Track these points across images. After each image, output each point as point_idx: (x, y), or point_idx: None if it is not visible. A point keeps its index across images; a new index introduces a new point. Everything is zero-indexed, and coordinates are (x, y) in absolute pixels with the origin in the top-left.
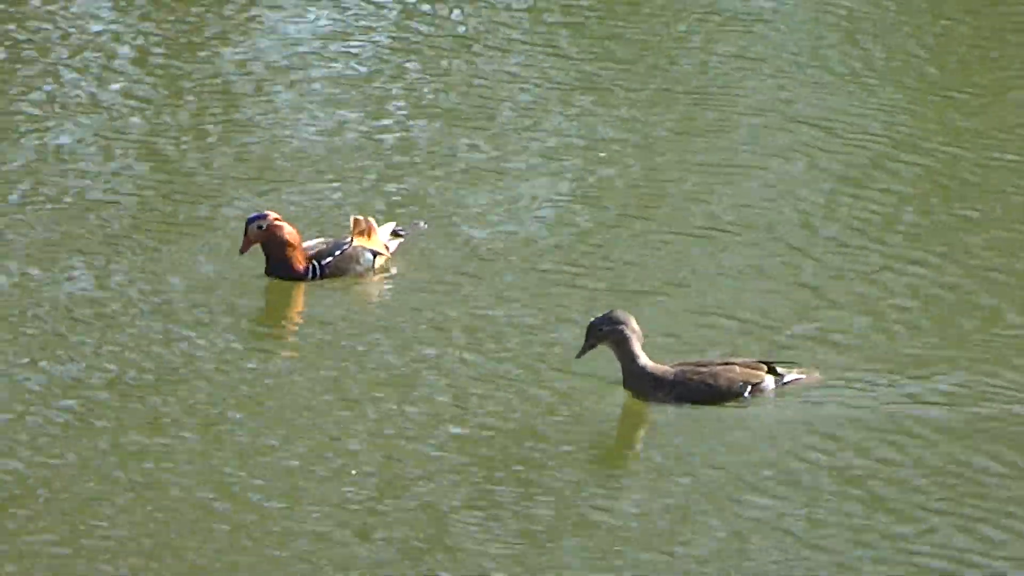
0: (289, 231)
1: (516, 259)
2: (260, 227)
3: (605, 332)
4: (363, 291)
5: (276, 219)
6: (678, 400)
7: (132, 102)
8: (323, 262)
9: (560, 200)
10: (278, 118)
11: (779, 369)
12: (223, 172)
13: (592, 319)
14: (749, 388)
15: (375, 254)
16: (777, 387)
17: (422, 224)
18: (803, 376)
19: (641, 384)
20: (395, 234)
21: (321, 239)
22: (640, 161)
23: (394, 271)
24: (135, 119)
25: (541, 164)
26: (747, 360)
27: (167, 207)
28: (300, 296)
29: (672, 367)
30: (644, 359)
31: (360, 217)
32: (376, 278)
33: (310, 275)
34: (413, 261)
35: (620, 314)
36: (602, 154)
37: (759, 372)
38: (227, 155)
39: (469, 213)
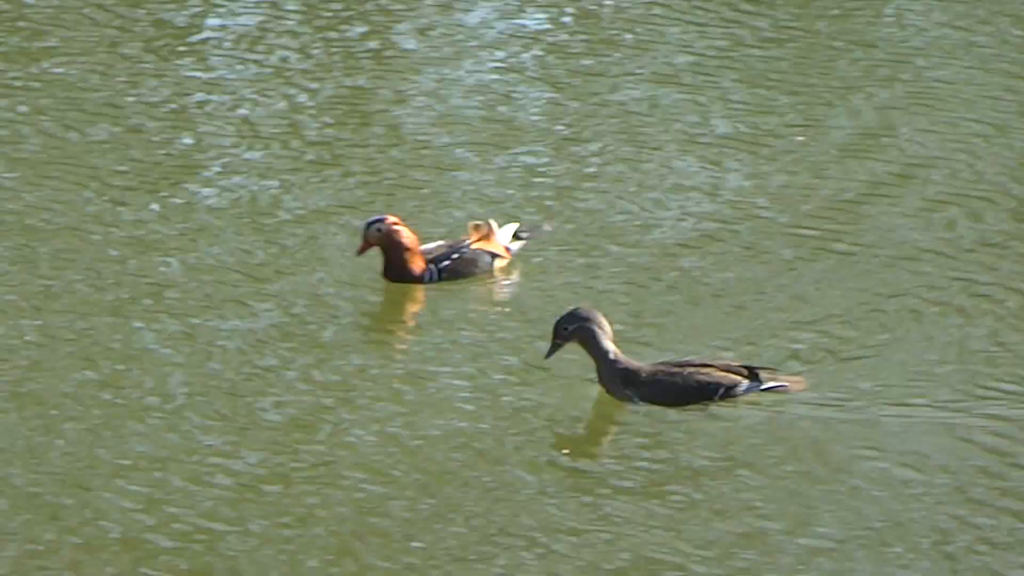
0: (407, 235)
1: (640, 268)
2: (378, 230)
3: (571, 331)
4: (481, 294)
5: (394, 223)
6: (645, 400)
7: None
8: (441, 265)
9: (700, 208)
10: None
11: (761, 375)
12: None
13: (557, 318)
14: (721, 391)
15: (494, 256)
16: (752, 392)
17: (546, 227)
18: (785, 384)
19: (612, 382)
20: (517, 237)
21: (440, 242)
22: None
23: (515, 275)
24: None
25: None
26: (730, 363)
27: (295, 202)
28: (417, 299)
29: (649, 365)
30: (616, 355)
31: (480, 221)
32: (495, 281)
33: (427, 278)
34: (534, 264)
35: (584, 311)
36: (799, 138)
37: (736, 376)
38: (357, 157)
39: (595, 218)
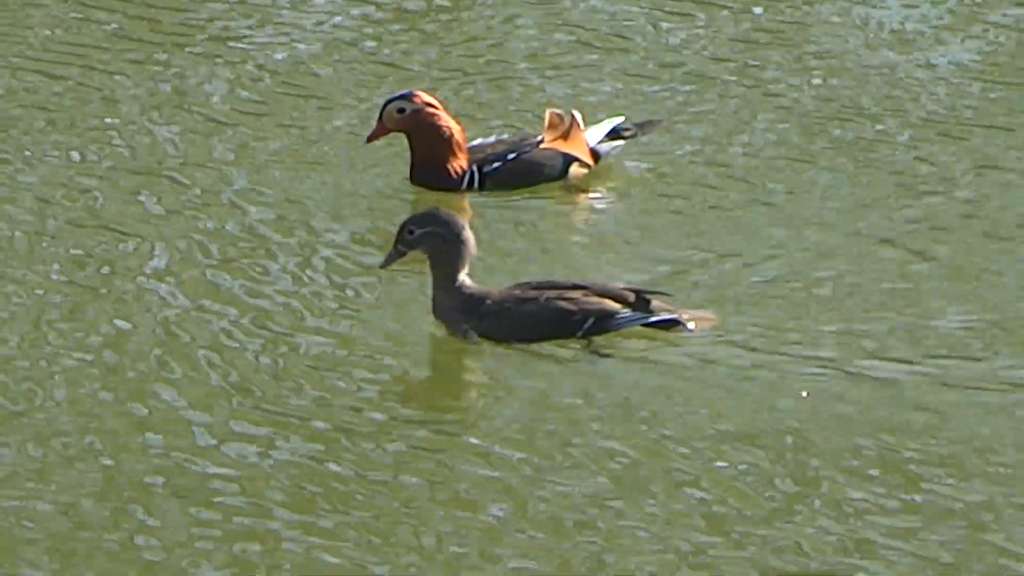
0: (445, 119)
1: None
2: (401, 110)
3: (417, 237)
4: (535, 215)
5: (428, 102)
6: (485, 336)
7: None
8: (489, 168)
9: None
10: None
11: (654, 304)
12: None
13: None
14: (588, 323)
15: (571, 160)
16: (633, 325)
17: (659, 122)
18: (680, 317)
19: (450, 313)
20: (617, 135)
21: (501, 136)
22: None
23: (598, 190)
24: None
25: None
26: (614, 286)
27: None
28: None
29: (503, 290)
30: (464, 280)
31: (559, 111)
32: (565, 196)
33: (464, 184)
34: (630, 177)
35: (445, 214)
36: None
37: (614, 303)
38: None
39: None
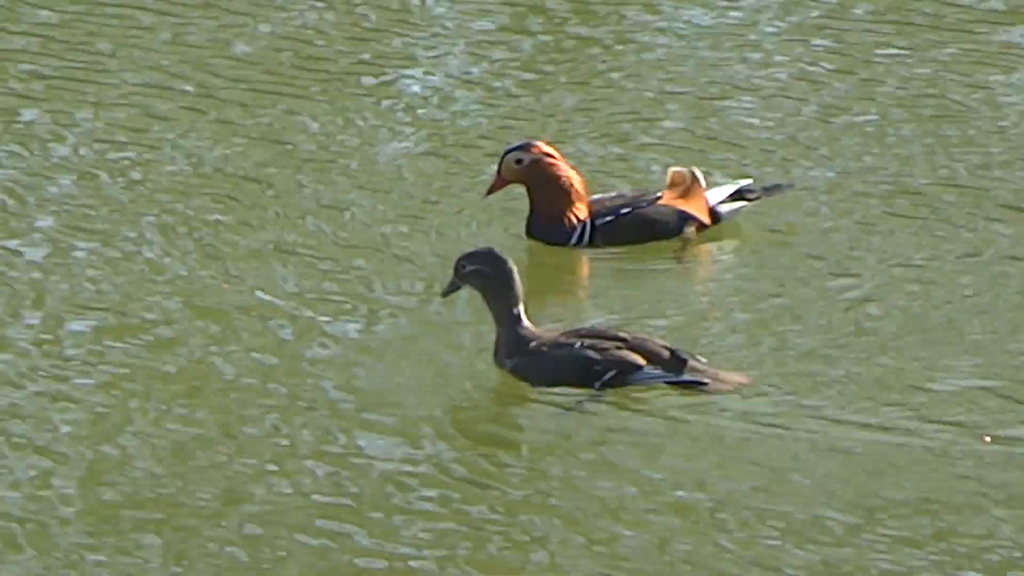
0: (566, 171)
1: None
2: (519, 161)
3: (467, 273)
4: (640, 270)
5: (547, 152)
6: (516, 374)
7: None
8: (601, 221)
9: None
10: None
11: (691, 363)
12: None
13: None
14: (609, 375)
15: (687, 220)
16: (654, 382)
17: (784, 185)
18: (702, 379)
19: (500, 350)
20: (740, 196)
21: (621, 192)
22: None
23: (715, 250)
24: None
25: None
26: (653, 342)
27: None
28: (547, 271)
29: (555, 332)
30: (521, 317)
31: (682, 169)
32: (680, 256)
33: (574, 239)
34: (750, 238)
35: (495, 254)
36: None
37: (638, 357)
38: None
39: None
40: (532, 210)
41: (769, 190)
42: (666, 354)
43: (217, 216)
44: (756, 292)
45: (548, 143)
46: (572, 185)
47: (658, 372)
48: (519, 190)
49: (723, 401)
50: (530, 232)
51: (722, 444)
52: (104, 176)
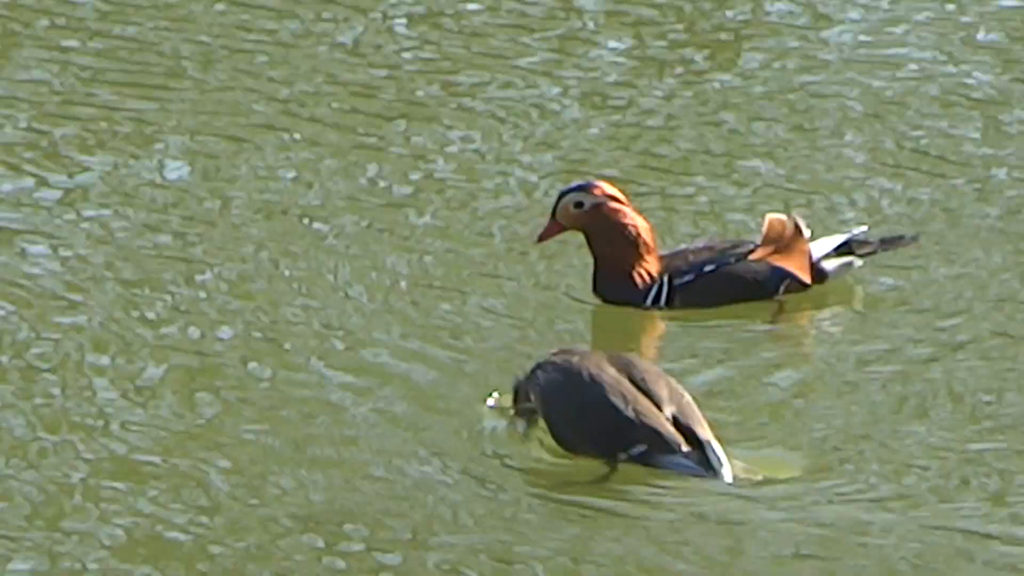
0: (631, 216)
1: None
2: (579, 204)
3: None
4: (722, 339)
5: (611, 195)
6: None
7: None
8: (681, 280)
9: None
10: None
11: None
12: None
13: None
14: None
15: (785, 276)
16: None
17: (907, 237)
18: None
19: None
20: (847, 251)
21: (708, 241)
22: None
23: (817, 314)
24: None
25: None
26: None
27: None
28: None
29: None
30: None
31: (782, 217)
32: (776, 319)
33: (650, 299)
34: (862, 298)
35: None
36: None
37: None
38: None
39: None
40: (597, 262)
41: (888, 242)
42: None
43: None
44: (858, 377)
45: (612, 184)
46: (640, 235)
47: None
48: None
49: None
50: (598, 289)
51: None
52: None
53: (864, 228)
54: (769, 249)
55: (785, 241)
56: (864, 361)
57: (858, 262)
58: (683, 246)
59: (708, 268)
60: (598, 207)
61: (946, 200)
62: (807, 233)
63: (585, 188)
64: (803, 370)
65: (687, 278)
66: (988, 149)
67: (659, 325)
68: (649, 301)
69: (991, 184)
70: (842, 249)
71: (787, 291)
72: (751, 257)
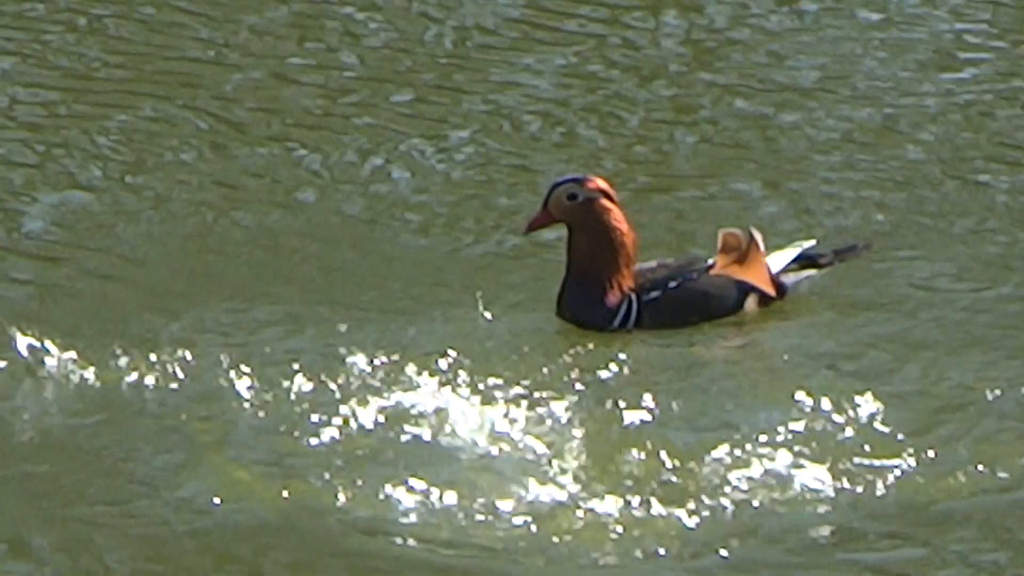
0: (621, 219)
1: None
2: (572, 196)
3: None
4: (689, 357)
5: (605, 191)
6: None
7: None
8: (648, 296)
9: None
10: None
11: None
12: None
13: None
14: None
15: (748, 292)
16: None
17: (860, 246)
18: None
19: None
20: (810, 262)
21: (661, 261)
22: None
23: (781, 327)
24: None
25: None
26: None
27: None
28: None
29: None
30: None
31: (736, 231)
32: (741, 337)
33: (618, 320)
34: (819, 316)
35: None
36: None
37: None
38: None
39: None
40: (571, 263)
41: (843, 253)
42: None
43: None
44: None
45: (602, 180)
46: (626, 241)
47: None
48: None
49: None
50: (564, 311)
51: None
52: None
53: (814, 242)
54: (728, 263)
55: (742, 255)
56: (829, 375)
57: (816, 274)
58: (636, 266)
59: (672, 283)
60: (592, 202)
61: (899, 208)
62: (762, 246)
63: (580, 181)
64: (750, 379)
65: (654, 295)
66: (935, 155)
67: (614, 348)
68: (617, 322)
69: (946, 192)
70: (799, 262)
71: (753, 305)
72: (712, 272)
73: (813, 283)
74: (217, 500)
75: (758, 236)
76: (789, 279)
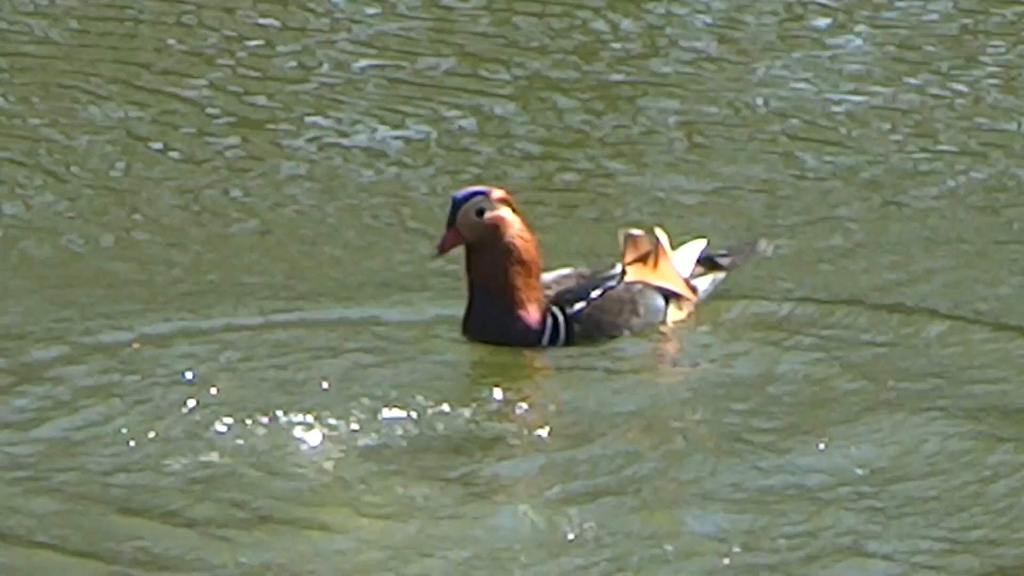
0: (521, 234)
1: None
2: (481, 212)
3: None
4: (650, 377)
5: (508, 202)
6: None
7: None
8: (573, 310)
9: None
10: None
11: None
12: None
13: None
14: None
15: (669, 297)
16: None
17: (763, 246)
18: None
19: None
20: (711, 264)
21: (566, 271)
22: None
23: (704, 333)
24: None
25: None
26: None
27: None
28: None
29: None
30: None
31: (638, 232)
32: (671, 345)
33: (546, 337)
34: (741, 317)
35: None
36: None
37: None
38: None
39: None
40: (475, 290)
41: (740, 253)
42: None
43: None
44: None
45: (501, 192)
46: (532, 253)
47: None
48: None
49: None
50: (474, 328)
51: None
52: None
53: (705, 242)
54: (639, 267)
55: (652, 259)
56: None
57: (721, 277)
58: (543, 277)
59: (595, 293)
60: (500, 217)
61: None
62: (667, 246)
63: (485, 194)
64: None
65: (578, 307)
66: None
67: (551, 371)
68: (546, 339)
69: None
70: (703, 263)
71: (677, 311)
72: (627, 279)
73: (717, 285)
74: None
75: (663, 238)
76: (701, 284)
